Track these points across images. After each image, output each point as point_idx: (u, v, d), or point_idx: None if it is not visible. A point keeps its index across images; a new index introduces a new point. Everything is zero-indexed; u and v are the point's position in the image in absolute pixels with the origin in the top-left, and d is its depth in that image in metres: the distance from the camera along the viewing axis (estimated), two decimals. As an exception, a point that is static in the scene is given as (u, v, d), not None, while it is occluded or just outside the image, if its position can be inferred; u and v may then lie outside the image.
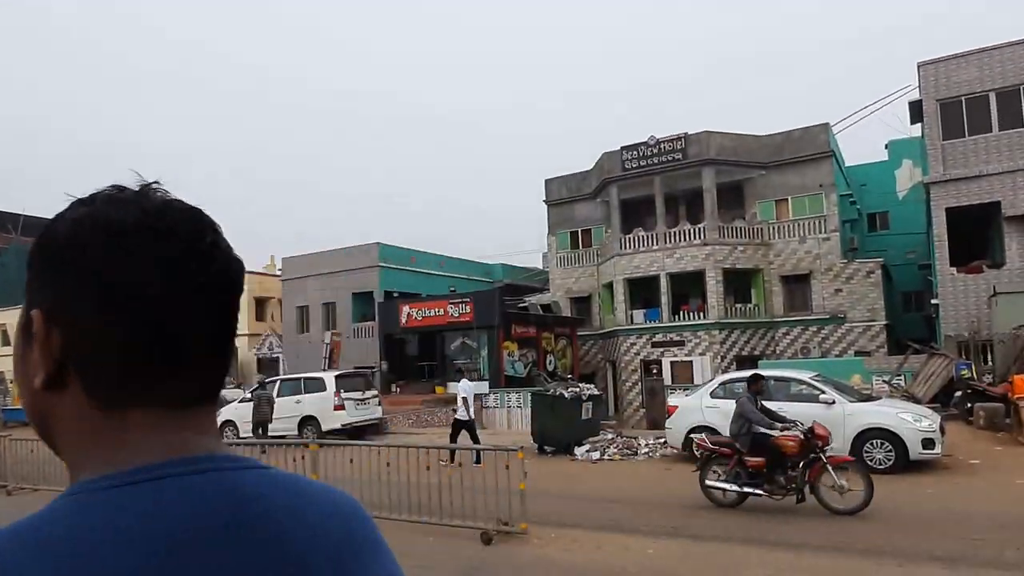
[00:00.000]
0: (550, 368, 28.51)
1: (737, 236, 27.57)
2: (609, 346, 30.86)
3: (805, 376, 11.06)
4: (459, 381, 13.36)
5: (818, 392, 10.37)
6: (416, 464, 7.66)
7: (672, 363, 25.90)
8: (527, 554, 6.53)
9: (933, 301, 23.19)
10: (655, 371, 21.69)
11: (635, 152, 28.70)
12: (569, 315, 31.54)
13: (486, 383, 25.78)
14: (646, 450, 12.44)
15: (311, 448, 8.46)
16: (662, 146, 28.01)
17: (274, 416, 16.41)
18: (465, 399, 12.32)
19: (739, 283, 28.14)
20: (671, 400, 11.84)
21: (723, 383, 11.19)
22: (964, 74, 21.95)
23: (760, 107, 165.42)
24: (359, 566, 0.69)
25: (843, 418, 9.94)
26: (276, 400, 16.66)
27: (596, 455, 12.39)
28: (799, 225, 27.57)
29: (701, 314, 27.33)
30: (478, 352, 26.35)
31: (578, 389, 13.15)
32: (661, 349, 27.75)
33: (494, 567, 6.15)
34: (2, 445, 11.69)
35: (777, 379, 11.06)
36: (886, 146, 37.34)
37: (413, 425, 21.41)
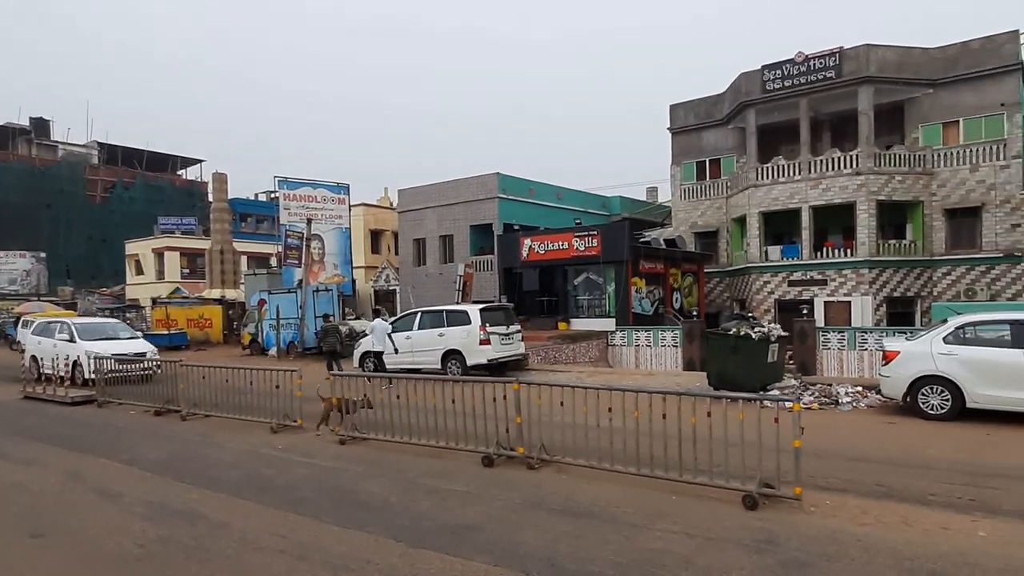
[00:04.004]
0: (676, 306, 27.11)
1: (895, 164, 24.68)
2: (737, 284, 28.96)
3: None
4: (374, 320, 16.59)
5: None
6: (648, 411, 6.63)
7: (826, 303, 23.85)
8: (815, 526, 5.41)
9: None
10: (805, 311, 19.86)
11: (778, 71, 25.90)
12: (695, 250, 29.71)
13: (612, 320, 24.75)
14: (848, 399, 11.02)
15: (514, 387, 7.60)
16: (812, 63, 25.09)
17: (417, 349, 16.10)
18: (390, 335, 15.56)
19: (894, 217, 25.41)
20: (890, 344, 10.27)
21: (961, 327, 9.51)
22: None
23: (932, 15, 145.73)
24: None
25: None
26: (418, 333, 16.30)
27: (788, 404, 11.06)
28: (971, 151, 24.31)
29: (848, 251, 24.98)
30: (603, 288, 25.19)
31: (764, 329, 11.75)
32: (799, 288, 25.71)
33: (789, 541, 5.05)
34: (172, 369, 11.56)
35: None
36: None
37: (544, 361, 20.67)
